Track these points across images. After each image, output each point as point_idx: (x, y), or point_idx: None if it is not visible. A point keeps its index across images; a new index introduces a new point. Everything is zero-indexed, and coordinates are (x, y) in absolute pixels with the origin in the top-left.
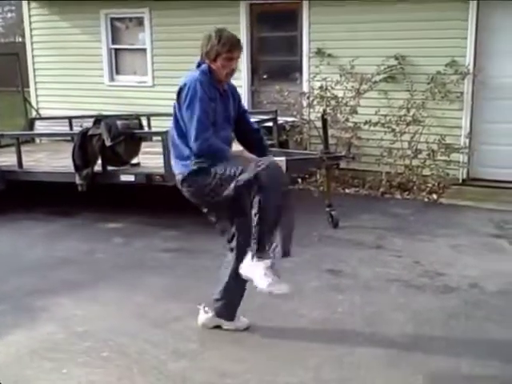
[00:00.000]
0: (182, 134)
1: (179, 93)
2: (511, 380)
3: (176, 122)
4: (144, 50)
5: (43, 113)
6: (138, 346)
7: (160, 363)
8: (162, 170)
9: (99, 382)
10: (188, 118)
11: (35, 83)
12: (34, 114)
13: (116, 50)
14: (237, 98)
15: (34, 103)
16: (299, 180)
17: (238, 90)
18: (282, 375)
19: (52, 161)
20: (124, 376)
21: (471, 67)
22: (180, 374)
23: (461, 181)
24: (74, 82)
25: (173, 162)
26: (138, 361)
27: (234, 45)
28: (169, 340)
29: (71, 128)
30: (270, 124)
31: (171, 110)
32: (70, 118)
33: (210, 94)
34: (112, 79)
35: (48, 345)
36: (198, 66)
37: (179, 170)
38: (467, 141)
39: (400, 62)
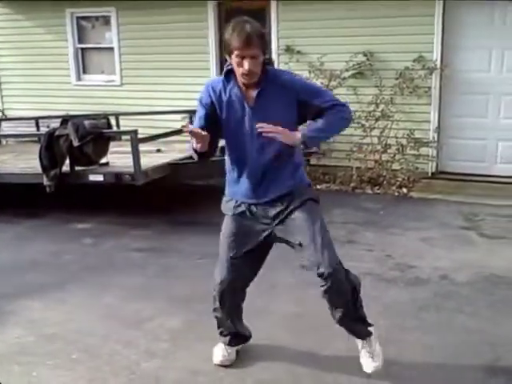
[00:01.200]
0: None
1: None
2: (484, 368)
3: None
4: (111, 48)
5: (9, 113)
6: (109, 346)
7: (132, 363)
8: (131, 169)
9: None
10: None
11: (0, 83)
12: None
13: (83, 49)
14: (294, 95)
15: None
16: None
17: None
18: (255, 371)
19: (19, 162)
20: (95, 377)
21: (438, 62)
22: (152, 374)
23: (430, 174)
24: (40, 81)
25: None
26: (109, 361)
27: (243, 40)
28: (140, 340)
29: (38, 129)
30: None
31: (140, 109)
32: (36, 119)
33: (216, 98)
34: (79, 79)
35: (17, 348)
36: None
37: None
38: (436, 135)
39: (368, 58)
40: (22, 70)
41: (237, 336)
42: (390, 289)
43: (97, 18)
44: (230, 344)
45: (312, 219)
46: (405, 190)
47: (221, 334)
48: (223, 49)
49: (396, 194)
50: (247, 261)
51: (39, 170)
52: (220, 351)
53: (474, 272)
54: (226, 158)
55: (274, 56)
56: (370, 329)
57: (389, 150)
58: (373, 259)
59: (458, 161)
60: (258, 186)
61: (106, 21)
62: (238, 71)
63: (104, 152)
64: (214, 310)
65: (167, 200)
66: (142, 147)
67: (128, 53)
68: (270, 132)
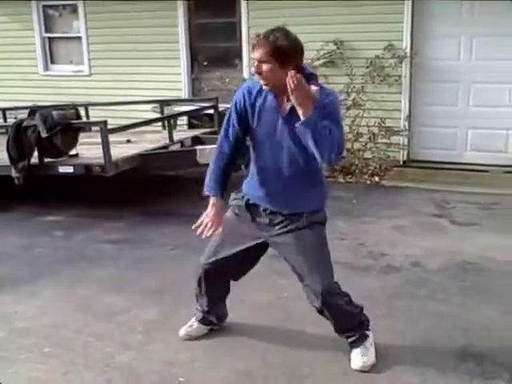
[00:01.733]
0: None
1: None
2: (456, 353)
3: None
4: (79, 38)
5: None
6: (83, 339)
7: (106, 356)
8: (101, 161)
9: (43, 378)
10: None
11: None
12: None
13: (50, 38)
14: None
15: None
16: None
17: (176, 78)
18: (230, 362)
19: None
20: (69, 370)
21: (408, 51)
22: (127, 366)
23: (402, 163)
24: (6, 72)
25: None
26: (83, 354)
27: (254, 44)
28: (114, 332)
29: (5, 120)
30: (211, 111)
31: (109, 99)
32: (3, 110)
33: (250, 101)
34: (47, 69)
35: None
36: None
37: None
38: (406, 123)
39: (339, 47)
40: None
41: (204, 317)
42: (363, 277)
43: (64, 6)
44: (198, 320)
45: (314, 246)
46: (377, 179)
47: (196, 308)
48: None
49: (368, 182)
50: (235, 257)
51: (7, 161)
52: (188, 323)
53: (445, 259)
54: (252, 161)
55: (244, 45)
56: (367, 333)
57: (360, 139)
58: (345, 248)
59: (429, 149)
60: (276, 197)
61: (74, 9)
62: None
63: (73, 143)
64: (196, 284)
65: (138, 191)
66: (112, 138)
67: (96, 42)
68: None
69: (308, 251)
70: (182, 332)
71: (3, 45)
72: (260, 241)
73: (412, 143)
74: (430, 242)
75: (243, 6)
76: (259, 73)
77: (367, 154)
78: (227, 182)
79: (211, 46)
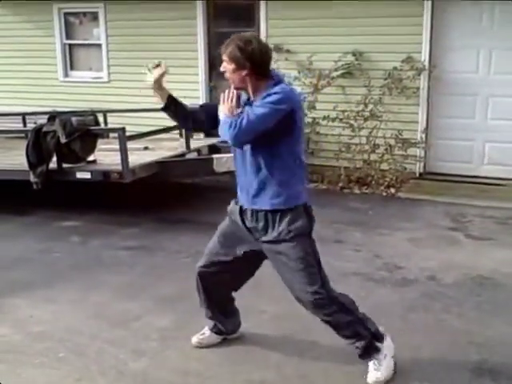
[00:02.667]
0: None
1: None
2: (471, 369)
3: None
4: (99, 45)
5: None
6: (97, 345)
7: (120, 362)
8: (119, 167)
9: (57, 383)
10: None
11: None
12: None
13: (70, 45)
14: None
15: None
16: None
17: (194, 86)
18: (244, 372)
19: (5, 158)
20: (83, 376)
21: (427, 63)
22: (141, 373)
23: (418, 175)
24: (27, 77)
25: None
26: (97, 361)
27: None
28: (128, 339)
29: (25, 125)
30: None
31: (127, 106)
32: (23, 115)
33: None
34: (66, 75)
35: (3, 347)
36: None
37: None
38: (424, 135)
39: (357, 58)
40: (8, 65)
41: (215, 326)
42: (378, 289)
43: (85, 13)
44: (210, 328)
45: (297, 259)
46: (393, 190)
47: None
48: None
49: (384, 194)
50: (231, 263)
51: (26, 166)
52: (201, 331)
53: (460, 273)
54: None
55: None
56: (377, 345)
57: (377, 150)
58: (361, 259)
59: (446, 162)
60: (248, 191)
61: (94, 17)
62: None
63: (91, 149)
64: (197, 291)
65: (155, 198)
66: (130, 145)
67: (116, 49)
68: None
69: (291, 264)
70: (194, 340)
71: (24, 50)
72: (253, 248)
73: (429, 155)
74: (445, 256)
75: (262, 15)
76: (223, 72)
77: (384, 166)
78: (182, 111)
79: None
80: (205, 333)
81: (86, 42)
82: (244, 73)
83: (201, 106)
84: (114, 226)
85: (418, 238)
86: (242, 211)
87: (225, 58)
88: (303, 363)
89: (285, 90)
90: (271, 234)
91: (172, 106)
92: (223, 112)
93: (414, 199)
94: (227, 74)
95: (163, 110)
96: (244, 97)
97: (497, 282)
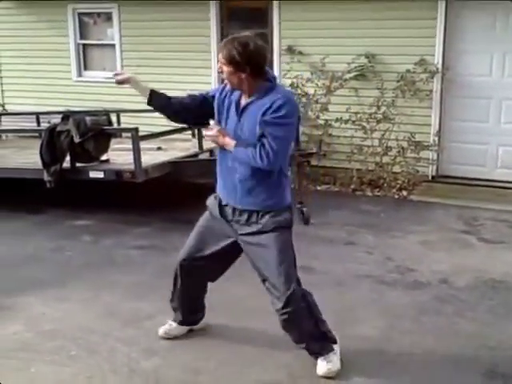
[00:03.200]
0: None
1: None
2: (484, 372)
3: None
4: (113, 45)
5: (9, 108)
6: (109, 344)
7: (132, 361)
8: (131, 167)
9: (68, 381)
10: None
11: (1, 78)
12: None
13: (84, 45)
14: (258, 117)
15: None
16: None
17: (207, 87)
18: (255, 372)
19: (19, 157)
20: (94, 374)
21: (440, 66)
22: (153, 372)
23: (430, 178)
24: (40, 77)
25: None
26: (109, 359)
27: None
28: (140, 338)
29: (38, 124)
30: None
31: (140, 107)
32: (37, 114)
33: (218, 101)
34: (80, 75)
35: (15, 344)
36: None
37: None
38: (436, 138)
39: (370, 61)
40: (23, 64)
41: (183, 317)
42: (390, 292)
43: (99, 14)
44: (176, 320)
45: (277, 250)
46: (405, 193)
47: (172, 307)
48: None
49: (396, 196)
50: (211, 257)
51: (40, 165)
52: (168, 323)
53: (473, 276)
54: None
55: (276, 56)
56: (333, 346)
57: (389, 153)
58: (372, 262)
59: (459, 165)
60: (234, 192)
61: (108, 17)
62: None
63: (105, 149)
64: (173, 281)
65: (168, 198)
66: (143, 145)
67: (129, 50)
68: (210, 136)
69: (271, 254)
70: (161, 331)
71: (38, 50)
72: (231, 240)
73: (441, 158)
74: (457, 259)
75: (275, 17)
76: (220, 72)
77: (396, 168)
78: (167, 103)
79: None
80: (171, 324)
81: (100, 42)
82: (243, 76)
83: (189, 96)
84: (126, 226)
85: (430, 240)
86: (221, 206)
87: (222, 59)
88: (313, 364)
89: (289, 98)
90: (254, 226)
91: (154, 99)
92: (225, 145)
93: (426, 202)
94: (224, 75)
95: (148, 104)
96: (235, 94)
97: (509, 286)
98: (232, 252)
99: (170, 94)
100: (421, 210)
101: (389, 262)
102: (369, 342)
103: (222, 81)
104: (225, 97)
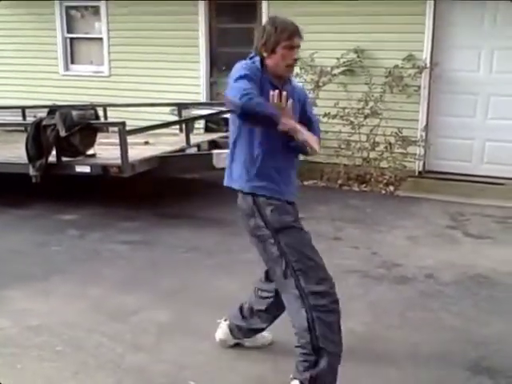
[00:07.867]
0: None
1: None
2: (469, 367)
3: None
4: (100, 39)
5: None
6: (94, 339)
7: (117, 356)
8: (118, 162)
9: (54, 377)
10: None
11: None
12: None
13: (71, 38)
14: (302, 101)
15: None
16: None
17: (195, 81)
18: (242, 367)
19: (4, 151)
20: (80, 370)
21: (428, 61)
22: (138, 367)
23: (417, 173)
24: (27, 71)
25: None
26: (95, 354)
27: (293, 31)
28: (126, 333)
29: (24, 118)
30: (229, 116)
31: (128, 101)
32: (23, 108)
33: (258, 82)
34: (67, 69)
35: (0, 340)
36: (250, 59)
37: None
38: (424, 134)
39: (359, 56)
40: (9, 58)
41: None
42: (376, 286)
43: (86, 7)
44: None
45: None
46: (392, 188)
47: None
48: (256, 49)
49: (383, 191)
50: None
51: (25, 159)
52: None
53: (459, 271)
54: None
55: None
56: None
57: (377, 148)
58: (359, 257)
59: (445, 160)
60: (289, 183)
61: (96, 11)
62: (283, 64)
63: (91, 143)
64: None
65: (155, 193)
66: (130, 139)
67: (117, 44)
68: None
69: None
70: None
71: (25, 43)
72: None
73: (428, 154)
74: (443, 254)
75: (264, 11)
76: (295, 60)
77: (383, 164)
78: None
79: (231, 50)
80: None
81: (87, 35)
82: None
83: None
84: (113, 220)
85: (416, 236)
86: (292, 204)
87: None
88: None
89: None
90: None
91: None
92: (301, 135)
93: (412, 197)
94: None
95: None
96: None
97: (495, 281)
98: None
99: (157, 88)
100: (407, 206)
101: (375, 257)
102: (355, 336)
103: (211, 76)
104: (260, 81)
